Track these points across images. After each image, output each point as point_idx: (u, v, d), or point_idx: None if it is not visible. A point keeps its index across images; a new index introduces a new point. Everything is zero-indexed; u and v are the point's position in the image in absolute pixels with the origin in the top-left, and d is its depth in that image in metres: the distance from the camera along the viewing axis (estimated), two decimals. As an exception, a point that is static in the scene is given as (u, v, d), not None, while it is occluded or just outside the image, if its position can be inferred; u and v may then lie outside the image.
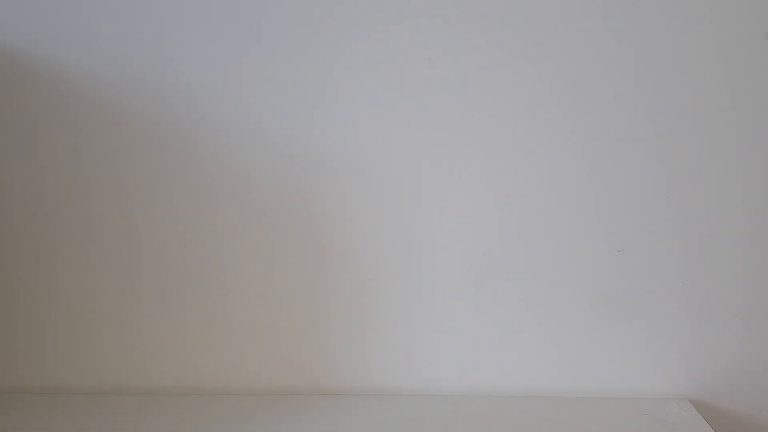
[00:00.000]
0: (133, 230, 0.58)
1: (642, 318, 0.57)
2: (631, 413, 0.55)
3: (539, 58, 0.54)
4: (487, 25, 0.54)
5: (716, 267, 0.56)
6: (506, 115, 0.55)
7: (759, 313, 0.57)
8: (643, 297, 0.57)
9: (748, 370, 0.58)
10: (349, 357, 0.60)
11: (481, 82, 0.54)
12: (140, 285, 0.59)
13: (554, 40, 0.53)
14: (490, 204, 0.57)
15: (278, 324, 0.59)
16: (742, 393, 0.58)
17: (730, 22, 0.52)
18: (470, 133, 0.56)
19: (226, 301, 0.59)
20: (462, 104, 0.55)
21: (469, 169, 0.56)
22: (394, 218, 0.57)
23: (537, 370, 0.59)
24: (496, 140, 0.56)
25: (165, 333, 0.60)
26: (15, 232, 0.59)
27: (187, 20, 0.55)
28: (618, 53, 0.54)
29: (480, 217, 0.57)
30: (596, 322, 0.58)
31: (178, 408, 0.58)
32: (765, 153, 0.54)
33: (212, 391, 0.60)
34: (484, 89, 0.55)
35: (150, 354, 0.60)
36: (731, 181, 0.55)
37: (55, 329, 0.60)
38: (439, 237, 0.57)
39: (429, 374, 0.59)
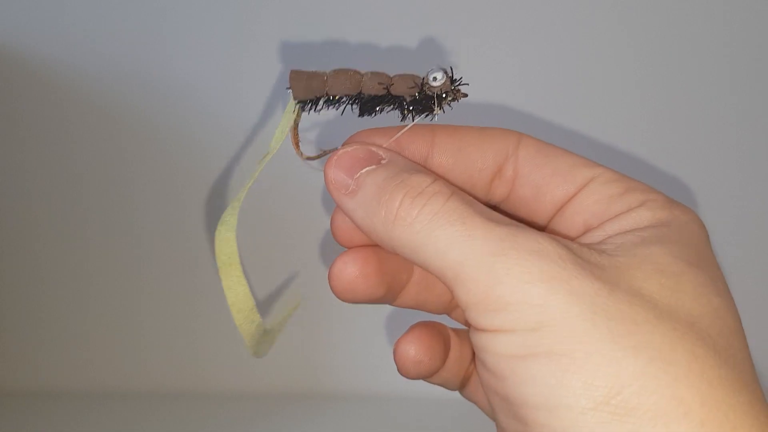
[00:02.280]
0: (129, 228, 0.58)
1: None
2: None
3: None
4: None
5: (724, 267, 0.55)
6: (506, 115, 0.54)
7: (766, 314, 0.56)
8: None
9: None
10: (349, 359, 0.59)
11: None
12: (138, 285, 0.59)
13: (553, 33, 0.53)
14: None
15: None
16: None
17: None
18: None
19: (225, 301, 0.59)
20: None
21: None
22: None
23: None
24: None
25: (161, 334, 0.60)
26: (8, 232, 0.59)
27: (185, 17, 0.54)
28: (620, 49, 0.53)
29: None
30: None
31: (177, 410, 0.57)
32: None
33: (211, 394, 0.60)
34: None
35: (147, 355, 0.60)
36: (740, 179, 0.54)
37: (49, 330, 0.60)
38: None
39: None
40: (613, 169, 0.25)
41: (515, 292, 0.19)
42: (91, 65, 0.55)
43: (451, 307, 0.30)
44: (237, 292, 0.27)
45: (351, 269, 0.27)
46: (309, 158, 0.26)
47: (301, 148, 0.26)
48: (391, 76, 0.24)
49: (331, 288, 0.28)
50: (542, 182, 0.24)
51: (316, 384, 0.59)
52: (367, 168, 0.24)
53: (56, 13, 0.54)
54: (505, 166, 0.25)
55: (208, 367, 0.60)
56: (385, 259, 0.27)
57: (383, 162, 0.24)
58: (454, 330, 0.29)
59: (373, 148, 0.24)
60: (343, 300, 0.28)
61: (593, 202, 0.23)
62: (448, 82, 0.23)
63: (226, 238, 0.27)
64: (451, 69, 0.23)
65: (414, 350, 0.27)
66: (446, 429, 0.53)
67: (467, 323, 0.26)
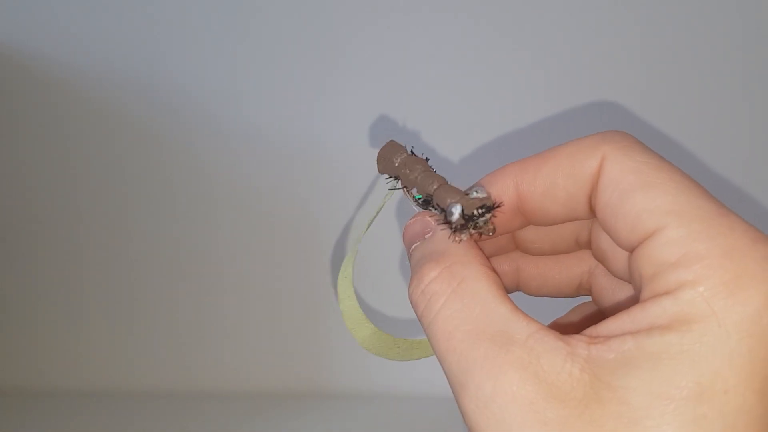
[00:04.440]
0: (128, 229, 0.58)
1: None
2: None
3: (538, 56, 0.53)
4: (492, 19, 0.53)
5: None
6: (510, 118, 0.54)
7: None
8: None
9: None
10: (349, 358, 0.59)
11: (484, 77, 0.54)
12: (135, 285, 0.59)
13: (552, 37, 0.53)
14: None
15: (276, 324, 0.59)
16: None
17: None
18: (473, 131, 0.55)
19: (224, 300, 0.59)
20: (465, 101, 0.54)
21: (471, 166, 0.56)
22: (395, 217, 0.56)
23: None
24: (500, 140, 0.55)
25: (160, 334, 0.60)
26: (9, 232, 0.59)
27: (185, 18, 0.54)
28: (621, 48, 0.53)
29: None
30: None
31: (176, 410, 0.57)
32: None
33: (210, 393, 0.60)
34: (488, 85, 0.54)
35: (144, 355, 0.60)
36: (738, 176, 0.54)
37: (50, 330, 0.60)
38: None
39: (430, 376, 0.58)
40: (706, 209, 0.19)
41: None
42: (91, 66, 0.55)
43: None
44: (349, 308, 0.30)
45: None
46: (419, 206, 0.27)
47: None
48: (436, 186, 0.24)
49: None
50: (609, 223, 0.21)
51: (316, 383, 0.59)
52: (415, 244, 0.24)
53: (56, 14, 0.54)
54: (593, 189, 0.22)
55: (208, 367, 0.60)
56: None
57: (426, 236, 0.24)
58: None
59: (428, 218, 0.24)
60: None
61: (646, 265, 0.19)
62: (461, 221, 0.22)
63: (348, 293, 0.29)
64: (463, 207, 0.22)
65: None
66: (446, 428, 0.53)
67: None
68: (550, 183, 0.22)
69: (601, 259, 0.24)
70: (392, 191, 0.27)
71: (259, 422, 0.54)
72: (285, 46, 0.54)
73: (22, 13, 0.54)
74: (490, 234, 0.23)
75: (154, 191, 0.57)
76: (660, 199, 0.19)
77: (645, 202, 0.19)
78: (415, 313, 0.22)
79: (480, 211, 0.22)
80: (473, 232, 0.23)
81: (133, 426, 0.55)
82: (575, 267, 0.26)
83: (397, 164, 0.26)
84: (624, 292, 0.25)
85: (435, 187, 0.24)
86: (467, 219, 0.22)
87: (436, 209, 0.24)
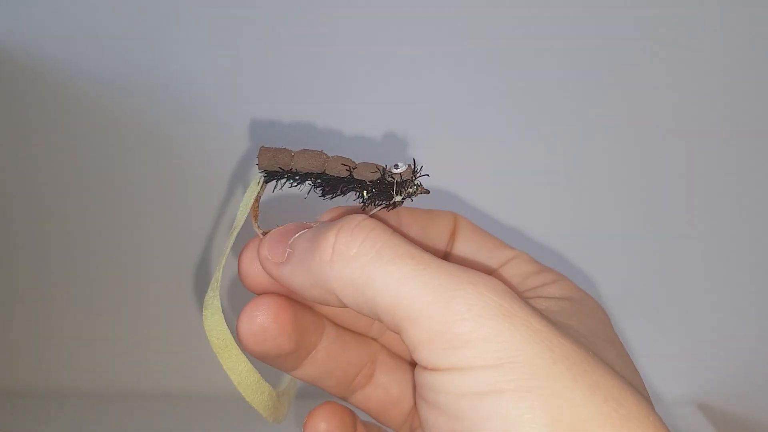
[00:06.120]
0: (129, 229, 0.58)
1: (647, 320, 0.57)
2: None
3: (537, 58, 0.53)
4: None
5: (723, 268, 0.55)
6: (507, 118, 0.54)
7: (767, 314, 0.56)
8: (648, 298, 0.56)
9: (755, 374, 0.57)
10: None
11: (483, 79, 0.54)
12: (138, 285, 0.59)
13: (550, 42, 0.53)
14: (491, 207, 0.56)
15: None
16: (750, 397, 0.57)
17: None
18: (474, 131, 0.55)
19: (224, 300, 0.59)
20: (465, 101, 0.54)
21: (475, 166, 0.56)
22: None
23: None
24: (495, 140, 0.55)
25: (160, 334, 0.60)
26: (10, 232, 0.59)
27: (185, 18, 0.54)
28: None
29: (485, 221, 0.56)
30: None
31: (177, 410, 0.57)
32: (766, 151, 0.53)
33: (210, 393, 0.60)
34: (488, 86, 0.54)
35: (148, 355, 0.60)
36: (737, 179, 0.54)
37: (50, 329, 0.60)
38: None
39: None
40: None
41: (476, 329, 0.19)
42: (91, 66, 0.55)
43: (355, 387, 0.30)
44: (239, 370, 0.26)
45: (264, 315, 0.25)
46: (265, 233, 0.26)
47: (260, 223, 0.27)
48: (356, 162, 0.25)
49: (239, 335, 0.26)
50: (470, 256, 0.28)
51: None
52: (301, 232, 0.24)
53: (56, 14, 0.54)
54: (449, 240, 0.29)
55: (209, 367, 0.60)
56: (298, 312, 0.26)
57: (315, 225, 0.24)
58: (363, 423, 0.31)
59: (305, 222, 0.25)
60: (249, 351, 0.26)
61: (513, 275, 0.27)
62: (409, 171, 0.23)
63: (214, 321, 0.26)
64: (414, 162, 0.24)
65: (324, 427, 0.28)
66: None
67: (412, 363, 0.29)
68: (423, 222, 0.28)
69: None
70: (262, 181, 0.26)
71: (260, 422, 0.54)
72: (287, 44, 0.54)
73: (22, 13, 0.54)
74: (426, 193, 0.24)
75: (154, 191, 0.57)
76: (503, 242, 0.30)
77: (496, 240, 0.29)
78: (342, 254, 0.21)
79: (416, 173, 0.24)
80: (411, 191, 0.24)
81: (133, 426, 0.54)
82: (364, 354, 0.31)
83: (294, 154, 0.25)
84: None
85: (355, 162, 0.24)
86: (414, 173, 0.24)
87: (356, 189, 0.24)
